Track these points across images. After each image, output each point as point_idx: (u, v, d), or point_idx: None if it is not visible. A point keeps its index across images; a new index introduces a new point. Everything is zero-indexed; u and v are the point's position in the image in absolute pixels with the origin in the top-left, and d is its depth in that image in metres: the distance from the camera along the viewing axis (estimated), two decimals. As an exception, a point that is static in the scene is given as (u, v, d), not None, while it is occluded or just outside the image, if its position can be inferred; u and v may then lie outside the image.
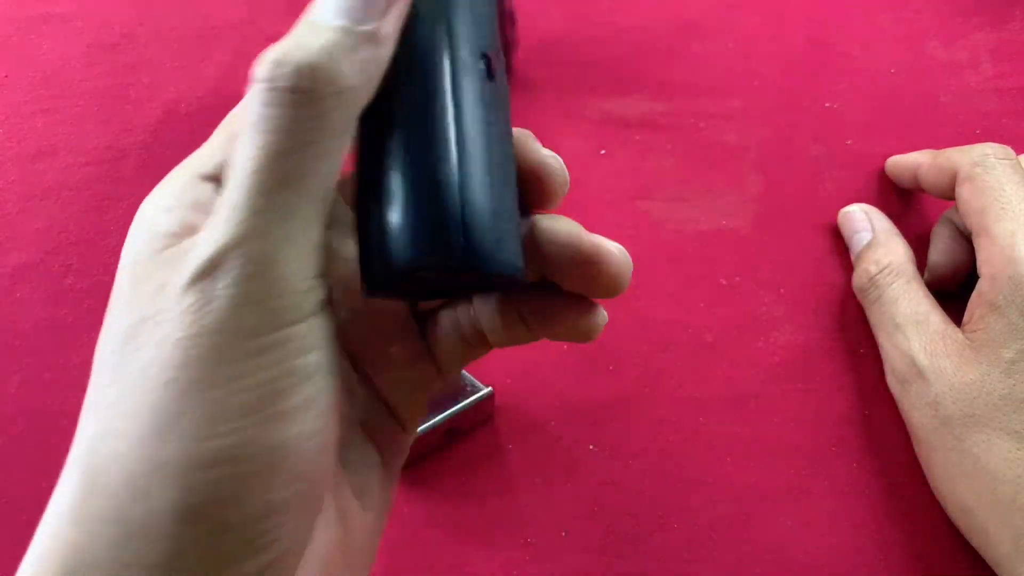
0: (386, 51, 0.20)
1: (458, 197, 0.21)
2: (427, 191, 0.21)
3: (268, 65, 0.19)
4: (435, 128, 0.21)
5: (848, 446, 0.39)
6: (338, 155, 0.20)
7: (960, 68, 0.52)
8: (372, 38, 0.20)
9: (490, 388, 0.37)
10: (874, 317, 0.40)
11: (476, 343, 0.26)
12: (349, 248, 0.22)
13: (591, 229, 0.23)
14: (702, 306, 0.43)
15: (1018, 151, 0.39)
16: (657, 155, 0.48)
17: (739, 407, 0.40)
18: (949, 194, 0.40)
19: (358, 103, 0.20)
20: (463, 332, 0.26)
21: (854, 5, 0.54)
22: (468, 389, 0.37)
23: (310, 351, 0.20)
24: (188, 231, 0.20)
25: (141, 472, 0.18)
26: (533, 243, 0.23)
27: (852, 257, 0.43)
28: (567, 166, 0.24)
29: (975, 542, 0.35)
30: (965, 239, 0.41)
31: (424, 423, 0.36)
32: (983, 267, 0.36)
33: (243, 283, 0.18)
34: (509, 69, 0.31)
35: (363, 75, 0.20)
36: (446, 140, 0.21)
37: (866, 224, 0.43)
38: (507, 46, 0.39)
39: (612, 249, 0.23)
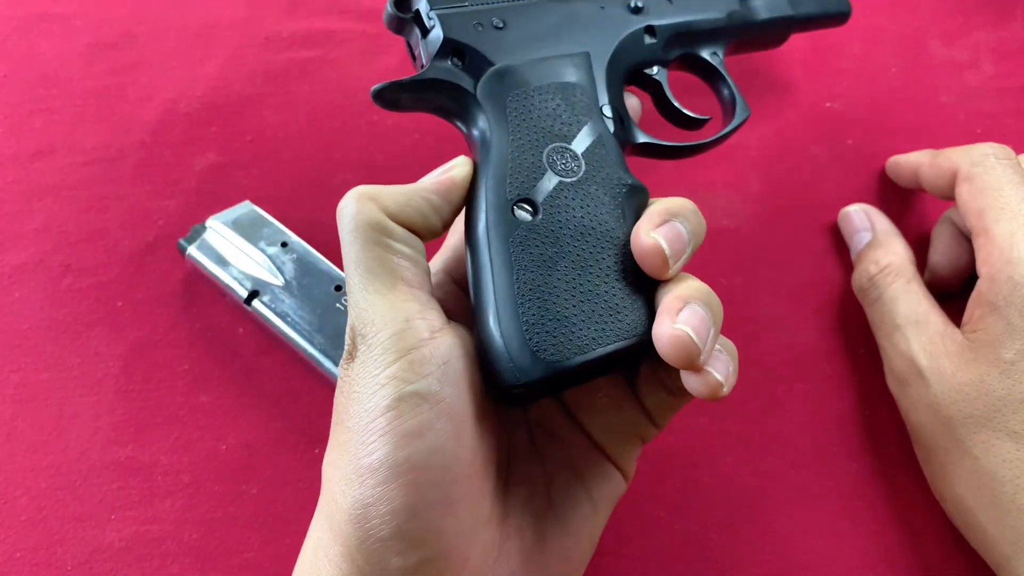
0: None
1: (495, 328, 0.27)
2: (481, 326, 0.28)
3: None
4: (476, 268, 0.29)
5: (848, 446, 0.39)
6: None
7: (960, 68, 0.52)
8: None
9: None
10: (874, 317, 0.40)
11: (679, 392, 0.29)
12: None
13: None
14: (702, 306, 0.43)
15: (1018, 151, 0.39)
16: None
17: (739, 407, 0.40)
18: (949, 194, 0.40)
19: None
20: (664, 383, 0.30)
21: (854, 5, 0.54)
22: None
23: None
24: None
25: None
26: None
27: (852, 257, 0.43)
28: None
29: (974, 542, 0.35)
30: (966, 239, 0.41)
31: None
32: (982, 267, 0.36)
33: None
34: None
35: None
36: (480, 282, 0.28)
37: (866, 224, 0.43)
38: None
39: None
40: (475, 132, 0.32)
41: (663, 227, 0.28)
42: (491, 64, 0.32)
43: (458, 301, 0.31)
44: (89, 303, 0.42)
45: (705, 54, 0.39)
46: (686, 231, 0.28)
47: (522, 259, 0.28)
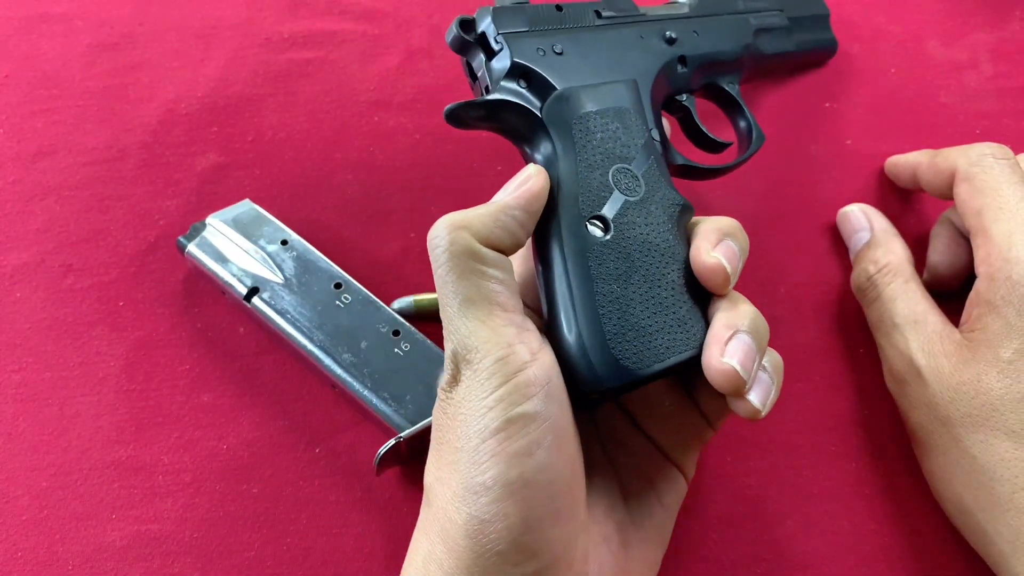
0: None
1: (579, 338, 0.29)
2: (562, 336, 0.30)
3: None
4: (551, 281, 0.31)
5: (847, 446, 0.40)
6: None
7: (960, 68, 0.52)
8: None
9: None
10: (872, 317, 0.40)
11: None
12: None
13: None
14: (702, 306, 0.43)
15: (1017, 151, 0.39)
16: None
17: (739, 407, 0.40)
18: (948, 194, 0.40)
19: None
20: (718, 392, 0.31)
21: (854, 5, 0.54)
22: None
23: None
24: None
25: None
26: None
27: (851, 257, 0.43)
28: None
29: (973, 541, 0.35)
30: (964, 239, 0.41)
31: (425, 420, 0.36)
32: (980, 267, 0.36)
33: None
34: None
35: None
36: (557, 294, 0.30)
37: (864, 224, 0.43)
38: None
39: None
40: (538, 153, 0.34)
41: (720, 247, 0.30)
42: (554, 88, 0.34)
43: (534, 317, 0.32)
44: (90, 303, 0.42)
45: (724, 84, 0.43)
46: (738, 249, 0.31)
47: (600, 272, 0.30)
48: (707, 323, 0.30)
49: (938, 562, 0.37)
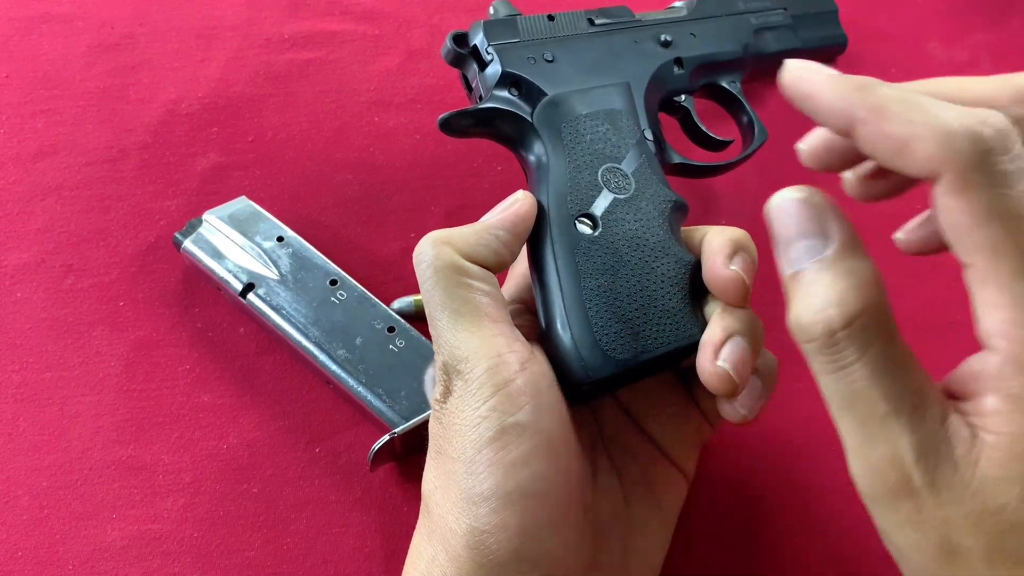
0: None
1: (567, 331, 0.30)
2: (552, 330, 0.30)
3: None
4: (543, 279, 0.31)
5: (848, 446, 0.39)
6: None
7: (960, 69, 0.52)
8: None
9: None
10: (835, 393, 0.25)
11: None
12: None
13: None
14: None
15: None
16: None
17: (739, 407, 0.40)
18: (899, 169, 0.26)
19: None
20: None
21: (854, 5, 0.54)
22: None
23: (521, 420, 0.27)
24: None
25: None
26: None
27: (782, 272, 0.25)
28: None
29: None
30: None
31: (422, 416, 0.36)
32: (995, 338, 0.22)
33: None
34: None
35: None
36: (549, 291, 0.31)
37: (815, 227, 0.26)
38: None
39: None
40: (531, 156, 0.35)
41: (736, 259, 0.30)
42: (544, 94, 0.35)
43: (533, 326, 0.32)
44: (91, 303, 0.42)
45: (725, 83, 0.43)
46: (752, 260, 0.30)
47: (587, 268, 0.31)
48: (697, 315, 0.31)
49: (938, 562, 0.37)
